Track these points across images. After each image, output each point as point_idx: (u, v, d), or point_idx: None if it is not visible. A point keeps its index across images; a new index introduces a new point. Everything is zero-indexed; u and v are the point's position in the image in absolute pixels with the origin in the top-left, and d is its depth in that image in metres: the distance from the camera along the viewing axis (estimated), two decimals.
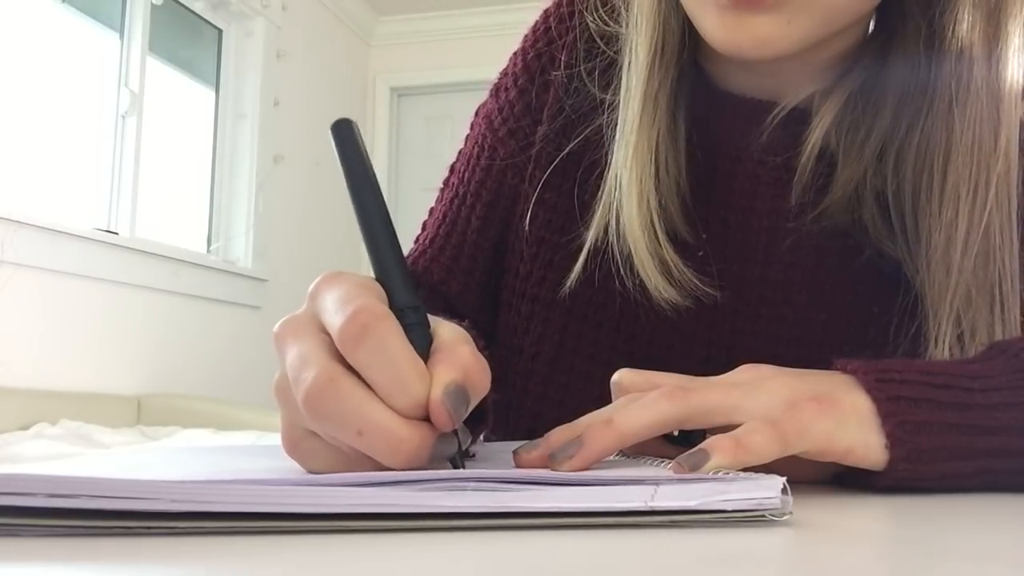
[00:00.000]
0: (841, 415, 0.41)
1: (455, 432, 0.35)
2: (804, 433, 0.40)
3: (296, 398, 0.34)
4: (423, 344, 0.35)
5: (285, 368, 0.36)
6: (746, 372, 0.44)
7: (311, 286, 0.37)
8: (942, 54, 0.55)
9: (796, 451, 0.40)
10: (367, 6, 4.34)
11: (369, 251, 0.38)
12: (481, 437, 0.59)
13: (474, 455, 0.46)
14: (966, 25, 0.54)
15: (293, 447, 0.38)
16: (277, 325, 0.37)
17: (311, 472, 0.37)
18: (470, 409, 0.35)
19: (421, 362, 0.34)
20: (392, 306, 0.36)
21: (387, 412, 0.33)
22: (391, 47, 4.44)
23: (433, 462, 0.34)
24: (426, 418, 0.34)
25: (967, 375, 0.44)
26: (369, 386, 0.33)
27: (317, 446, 0.36)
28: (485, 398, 0.41)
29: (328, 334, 0.35)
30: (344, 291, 0.35)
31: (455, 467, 0.35)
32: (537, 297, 0.66)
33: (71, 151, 2.79)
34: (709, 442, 0.38)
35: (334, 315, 0.34)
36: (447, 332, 0.37)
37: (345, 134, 0.38)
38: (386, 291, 0.37)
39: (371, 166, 0.39)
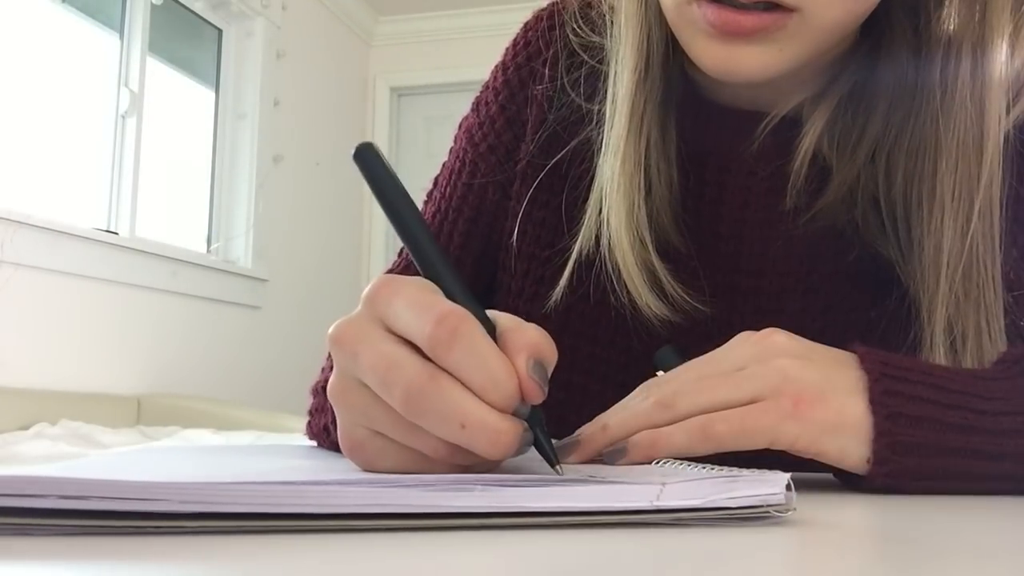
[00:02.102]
0: (816, 419, 0.42)
1: (530, 423, 0.36)
2: (752, 433, 0.41)
3: (390, 397, 0.35)
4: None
5: (353, 370, 0.36)
6: (751, 346, 0.45)
7: (367, 291, 0.37)
8: (929, 60, 0.55)
9: (732, 449, 0.42)
10: (367, 6, 4.34)
11: (424, 272, 0.39)
12: None
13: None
14: (953, 34, 0.54)
15: (358, 447, 0.38)
16: (333, 328, 0.37)
17: (374, 471, 0.38)
18: (548, 378, 0.36)
19: (507, 359, 0.35)
20: None
21: (486, 407, 0.34)
22: (391, 47, 4.44)
23: (515, 455, 0.35)
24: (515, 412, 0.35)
25: (982, 395, 0.43)
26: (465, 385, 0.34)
27: (385, 446, 0.37)
28: None
29: (399, 337, 0.35)
30: (414, 295, 0.36)
31: (539, 446, 0.37)
32: (530, 313, 0.65)
33: (71, 151, 2.79)
34: (632, 437, 0.42)
35: (414, 319, 0.35)
36: (505, 319, 0.38)
37: (370, 159, 0.39)
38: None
39: (401, 184, 0.39)
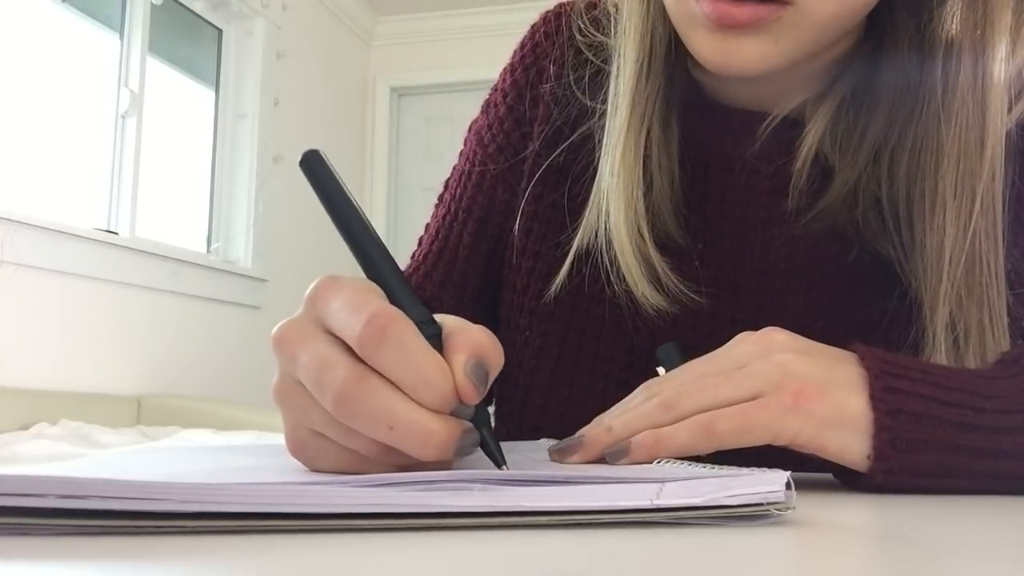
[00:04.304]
0: (817, 414, 0.42)
1: (475, 423, 0.36)
2: (753, 429, 0.41)
3: (321, 398, 0.35)
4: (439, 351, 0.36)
5: (292, 371, 0.36)
6: (751, 345, 0.45)
7: (309, 291, 0.38)
8: (932, 59, 0.55)
9: (734, 446, 0.42)
10: (367, 6, 4.34)
11: (368, 275, 0.39)
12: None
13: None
14: (954, 32, 0.54)
15: (300, 447, 0.38)
16: (276, 329, 0.37)
17: (317, 471, 0.38)
18: (489, 382, 0.36)
19: (441, 358, 0.35)
20: None
21: (417, 407, 0.34)
22: (391, 47, 4.44)
23: (458, 456, 0.35)
24: (451, 413, 0.35)
25: (982, 393, 0.43)
26: (395, 386, 0.34)
27: (325, 446, 0.37)
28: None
29: (336, 338, 0.35)
30: (349, 296, 0.36)
31: (485, 446, 0.36)
32: (535, 310, 0.66)
33: (71, 151, 2.79)
34: (635, 437, 0.42)
35: (347, 320, 0.35)
36: (452, 320, 0.38)
37: (316, 166, 0.39)
38: (397, 307, 0.37)
39: (348, 190, 0.39)
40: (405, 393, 0.34)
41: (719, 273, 0.62)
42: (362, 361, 0.34)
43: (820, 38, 0.52)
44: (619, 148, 0.58)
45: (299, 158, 0.39)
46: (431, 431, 0.34)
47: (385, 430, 0.34)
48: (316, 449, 0.37)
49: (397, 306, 0.37)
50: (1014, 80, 0.54)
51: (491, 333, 0.37)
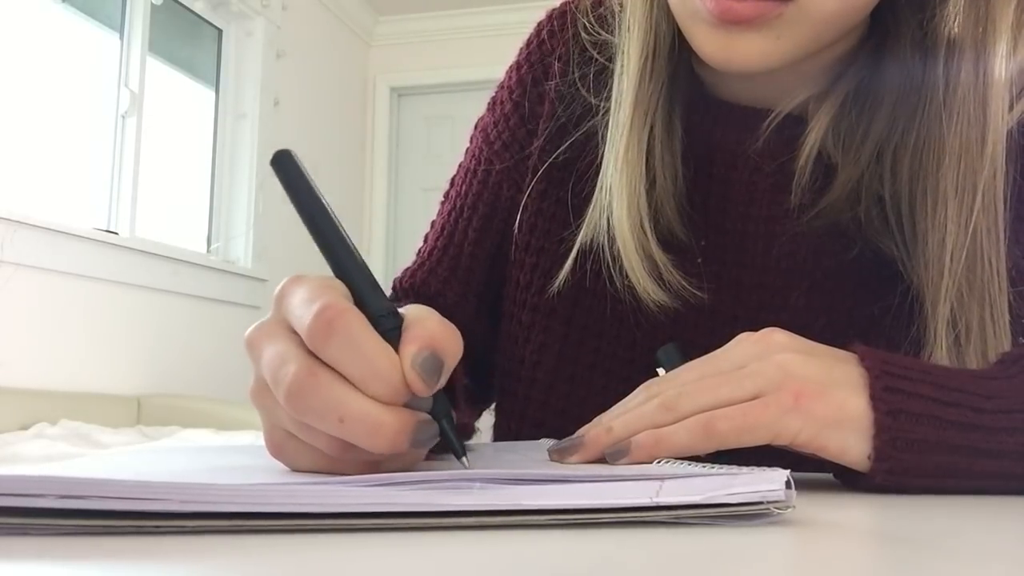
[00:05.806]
0: (817, 414, 0.42)
1: (435, 415, 0.36)
2: (753, 429, 0.41)
3: (277, 395, 0.35)
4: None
5: (261, 371, 0.36)
6: (751, 345, 0.45)
7: (276, 291, 0.38)
8: (935, 57, 0.55)
9: (735, 446, 0.42)
10: (367, 6, 4.33)
11: (335, 271, 0.39)
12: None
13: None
14: (956, 29, 0.54)
15: (278, 449, 0.38)
16: (247, 332, 0.37)
17: (298, 472, 0.38)
18: (446, 373, 0.36)
19: (391, 349, 0.35)
20: (368, 315, 0.36)
21: (366, 399, 0.34)
22: (391, 47, 4.44)
23: (415, 447, 0.35)
24: (409, 404, 0.35)
25: (982, 393, 0.43)
26: (346, 379, 0.34)
27: (299, 446, 0.37)
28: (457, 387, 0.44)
29: (298, 334, 0.35)
30: (307, 291, 0.36)
31: (445, 437, 0.36)
32: (537, 306, 0.66)
33: (71, 151, 2.79)
34: (635, 437, 0.42)
35: (300, 315, 0.35)
36: (414, 311, 0.38)
37: (287, 165, 0.39)
38: (361, 302, 0.37)
39: (317, 188, 0.39)
40: (355, 386, 0.34)
41: (721, 269, 0.62)
42: (314, 357, 0.34)
43: (822, 35, 0.52)
44: (622, 144, 0.58)
45: (271, 158, 0.39)
46: (381, 423, 0.33)
47: (336, 423, 0.34)
48: (292, 450, 0.37)
49: (359, 300, 0.37)
50: (1015, 78, 0.54)
51: (449, 323, 0.37)
